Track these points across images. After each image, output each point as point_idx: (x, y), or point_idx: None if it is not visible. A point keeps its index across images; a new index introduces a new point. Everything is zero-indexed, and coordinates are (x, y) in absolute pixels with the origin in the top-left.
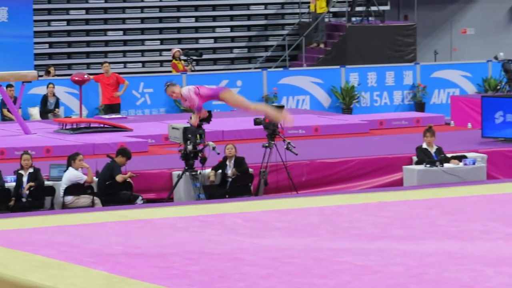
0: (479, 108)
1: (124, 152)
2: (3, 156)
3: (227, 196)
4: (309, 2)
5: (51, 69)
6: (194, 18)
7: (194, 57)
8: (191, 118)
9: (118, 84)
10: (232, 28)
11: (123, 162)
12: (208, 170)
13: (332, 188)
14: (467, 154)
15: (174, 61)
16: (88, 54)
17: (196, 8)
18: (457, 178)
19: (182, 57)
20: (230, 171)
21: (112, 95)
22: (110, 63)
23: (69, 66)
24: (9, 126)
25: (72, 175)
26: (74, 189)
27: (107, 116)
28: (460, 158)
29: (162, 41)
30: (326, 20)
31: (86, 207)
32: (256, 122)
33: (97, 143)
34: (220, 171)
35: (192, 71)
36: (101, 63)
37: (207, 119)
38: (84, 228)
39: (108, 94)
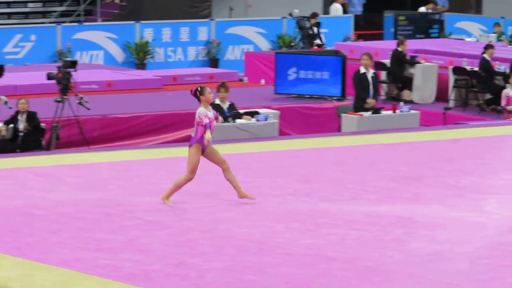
0: (273, 64)
1: None
2: None
3: (18, 150)
4: None
5: None
6: None
7: None
8: None
9: None
10: None
11: None
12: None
13: (124, 143)
14: (260, 110)
15: None
16: None
17: None
18: (249, 134)
19: None
20: (22, 125)
21: None
22: None
23: None
24: None
25: None
26: None
27: None
28: (252, 114)
29: None
30: None
31: None
32: (50, 76)
33: None
34: (12, 125)
35: None
36: None
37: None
38: None
39: None
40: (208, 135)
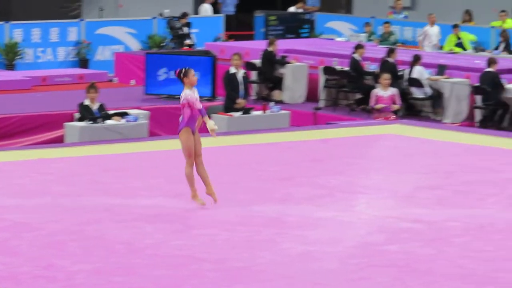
0: (143, 65)
1: None
2: None
3: None
4: None
5: None
6: None
7: None
8: None
9: None
10: None
11: None
12: None
13: None
14: (130, 111)
15: None
16: None
17: None
18: (119, 135)
19: None
20: None
21: None
22: None
23: None
24: None
25: None
26: None
27: None
28: (122, 115)
29: None
30: None
31: None
32: None
33: None
34: None
35: None
36: None
37: None
38: None
39: None
40: (211, 123)
